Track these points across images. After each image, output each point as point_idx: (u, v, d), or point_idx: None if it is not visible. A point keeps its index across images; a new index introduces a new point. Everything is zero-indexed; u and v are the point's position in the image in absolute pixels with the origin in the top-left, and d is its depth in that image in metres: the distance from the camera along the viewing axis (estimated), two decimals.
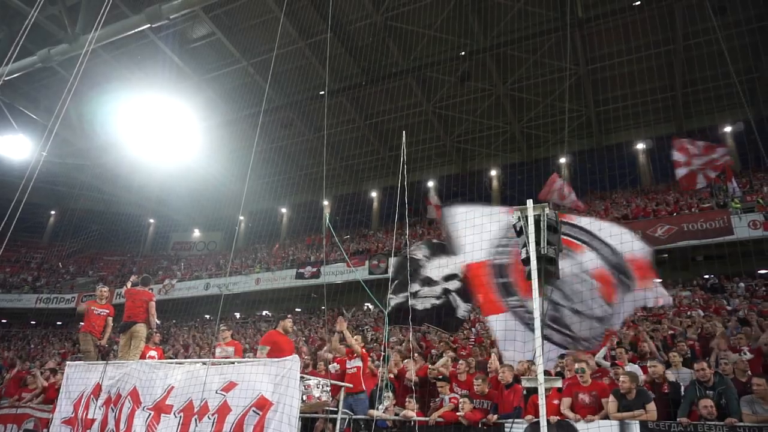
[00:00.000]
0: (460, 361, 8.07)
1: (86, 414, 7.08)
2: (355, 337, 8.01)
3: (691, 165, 17.55)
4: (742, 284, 16.01)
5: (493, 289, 7.28)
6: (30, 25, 8.83)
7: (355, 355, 7.52)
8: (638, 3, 20.60)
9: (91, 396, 7.19)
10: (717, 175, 18.43)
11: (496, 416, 6.27)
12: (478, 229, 6.99)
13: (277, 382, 5.49)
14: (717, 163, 17.64)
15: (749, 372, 6.37)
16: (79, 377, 7.61)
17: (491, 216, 7.08)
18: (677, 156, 17.81)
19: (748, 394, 5.64)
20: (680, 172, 17.83)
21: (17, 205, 6.76)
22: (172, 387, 6.26)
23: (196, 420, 5.78)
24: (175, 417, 5.96)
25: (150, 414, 6.25)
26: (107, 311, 8.59)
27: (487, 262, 7.28)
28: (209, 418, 5.68)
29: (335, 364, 8.01)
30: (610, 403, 5.85)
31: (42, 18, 17.49)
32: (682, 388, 6.24)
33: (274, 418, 5.29)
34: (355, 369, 7.35)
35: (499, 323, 7.34)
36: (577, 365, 6.38)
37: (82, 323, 8.61)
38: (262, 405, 5.45)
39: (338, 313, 20.86)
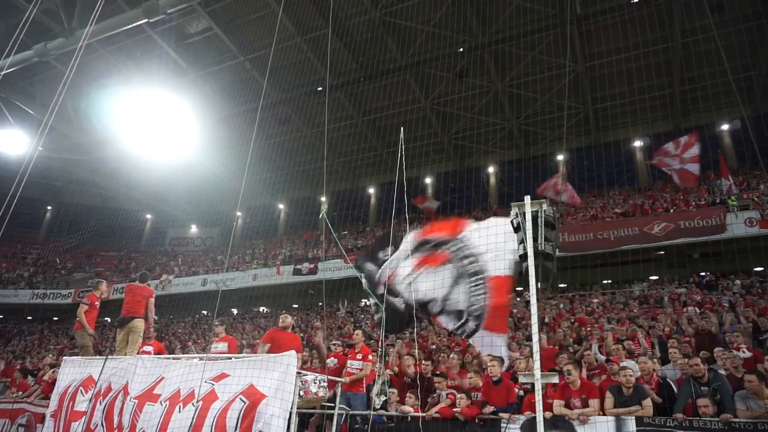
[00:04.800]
0: (452, 355, 8.09)
1: (72, 406, 7.01)
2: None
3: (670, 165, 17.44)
4: (738, 281, 16.07)
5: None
6: (26, 19, 8.76)
7: (359, 357, 7.41)
8: (636, 0, 20.60)
9: (80, 388, 7.13)
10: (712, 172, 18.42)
11: (492, 408, 6.29)
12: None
13: (271, 377, 5.44)
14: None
15: (743, 368, 6.41)
16: (72, 371, 7.60)
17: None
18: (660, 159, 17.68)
19: (742, 389, 5.68)
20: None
21: (13, 200, 6.72)
22: (163, 378, 6.22)
23: (180, 407, 5.69)
24: (161, 405, 5.89)
25: (135, 403, 6.19)
26: (98, 303, 8.70)
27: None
28: (193, 405, 5.58)
29: (333, 358, 8.00)
30: (607, 399, 5.89)
31: (38, 12, 17.35)
32: (673, 385, 6.26)
33: (266, 412, 5.19)
34: (357, 370, 7.28)
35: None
36: (564, 367, 6.36)
37: (76, 320, 8.62)
38: (251, 394, 5.35)
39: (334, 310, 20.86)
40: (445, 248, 7.02)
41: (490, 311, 6.43)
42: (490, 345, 6.63)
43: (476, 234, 6.81)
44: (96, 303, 8.51)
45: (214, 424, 5.32)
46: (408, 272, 7.27)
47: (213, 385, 5.64)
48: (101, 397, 6.71)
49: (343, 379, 6.96)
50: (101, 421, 6.47)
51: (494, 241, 6.38)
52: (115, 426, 6.27)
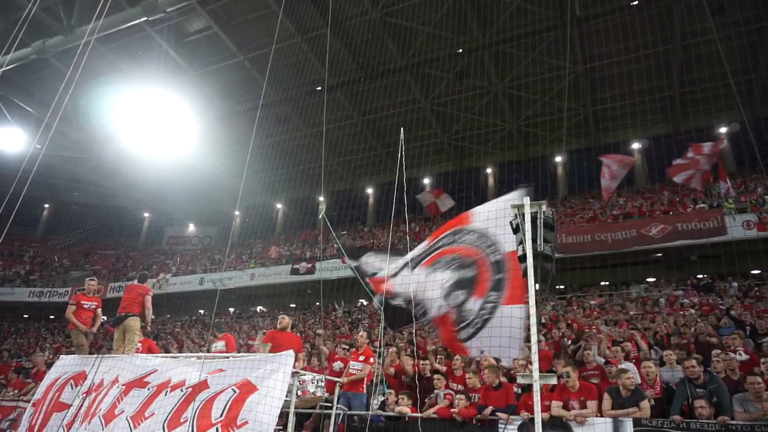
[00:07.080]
0: (456, 356, 8.07)
1: (58, 396, 6.96)
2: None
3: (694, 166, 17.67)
4: (735, 284, 16.10)
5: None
6: (26, 17, 8.74)
7: (361, 358, 7.42)
8: (636, 2, 20.62)
9: (70, 381, 7.09)
10: (709, 171, 18.57)
11: (491, 408, 6.27)
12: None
13: (268, 375, 5.45)
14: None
15: (740, 371, 6.40)
16: (65, 366, 7.57)
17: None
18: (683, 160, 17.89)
19: (739, 392, 5.67)
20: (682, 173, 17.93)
21: (12, 198, 6.69)
22: (156, 370, 6.21)
23: (167, 392, 5.67)
24: (148, 390, 5.86)
25: (122, 389, 6.14)
26: (96, 303, 8.58)
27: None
28: (182, 391, 5.56)
29: (339, 362, 8.00)
30: (605, 400, 5.88)
31: (37, 10, 17.31)
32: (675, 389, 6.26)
33: (253, 408, 5.19)
34: (357, 371, 7.28)
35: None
36: (562, 370, 6.31)
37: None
38: (243, 387, 5.36)
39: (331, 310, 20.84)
40: (468, 241, 6.99)
41: (509, 284, 6.46)
42: (496, 346, 6.60)
43: (483, 218, 6.83)
44: (83, 302, 8.39)
45: (199, 408, 5.30)
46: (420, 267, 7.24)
47: (207, 377, 5.64)
48: (91, 393, 6.69)
49: (341, 380, 6.95)
50: (82, 412, 6.43)
51: (503, 216, 6.37)
52: (92, 411, 6.22)
